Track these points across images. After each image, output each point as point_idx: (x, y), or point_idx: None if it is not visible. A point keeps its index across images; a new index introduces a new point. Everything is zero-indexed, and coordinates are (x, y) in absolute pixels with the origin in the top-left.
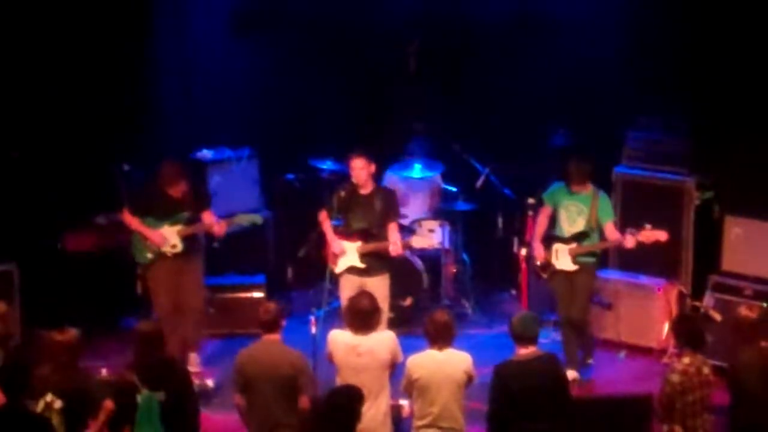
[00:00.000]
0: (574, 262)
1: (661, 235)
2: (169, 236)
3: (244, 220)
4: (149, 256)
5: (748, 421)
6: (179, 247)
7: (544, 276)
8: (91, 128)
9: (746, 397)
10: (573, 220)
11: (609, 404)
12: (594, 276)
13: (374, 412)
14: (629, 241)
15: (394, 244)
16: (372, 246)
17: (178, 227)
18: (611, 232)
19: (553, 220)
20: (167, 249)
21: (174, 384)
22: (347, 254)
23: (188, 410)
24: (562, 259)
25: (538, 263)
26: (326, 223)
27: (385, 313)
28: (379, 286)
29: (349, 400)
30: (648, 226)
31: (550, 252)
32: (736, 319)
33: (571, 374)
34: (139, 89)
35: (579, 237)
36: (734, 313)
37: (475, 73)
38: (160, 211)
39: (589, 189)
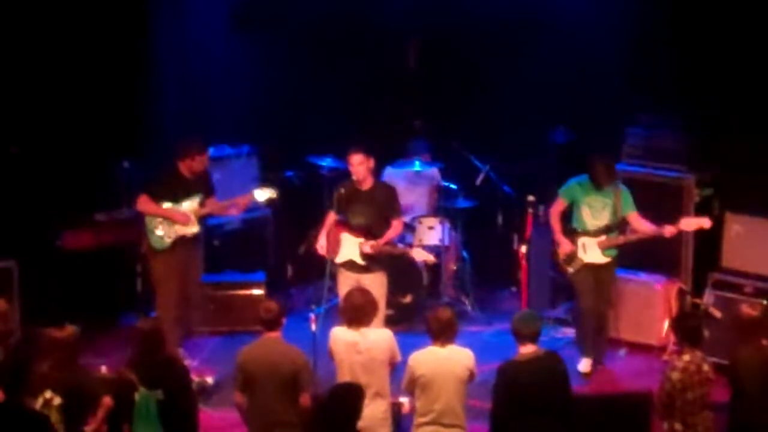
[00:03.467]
0: (604, 254)
1: (704, 222)
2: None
3: (261, 195)
4: (167, 240)
5: (747, 419)
6: (197, 228)
7: (570, 270)
8: (90, 125)
9: (746, 394)
10: (598, 214)
11: (610, 401)
12: (616, 267)
13: (374, 410)
14: (669, 230)
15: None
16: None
17: (194, 208)
18: (640, 223)
19: (565, 215)
20: (187, 230)
21: (172, 382)
22: (349, 248)
23: (187, 409)
24: (591, 252)
25: (563, 257)
26: (328, 221)
27: (382, 311)
28: (376, 283)
29: (350, 397)
30: (685, 215)
31: (576, 246)
32: (738, 316)
33: (587, 361)
34: (138, 86)
35: (606, 230)
36: (736, 310)
37: (474, 71)
38: (175, 194)
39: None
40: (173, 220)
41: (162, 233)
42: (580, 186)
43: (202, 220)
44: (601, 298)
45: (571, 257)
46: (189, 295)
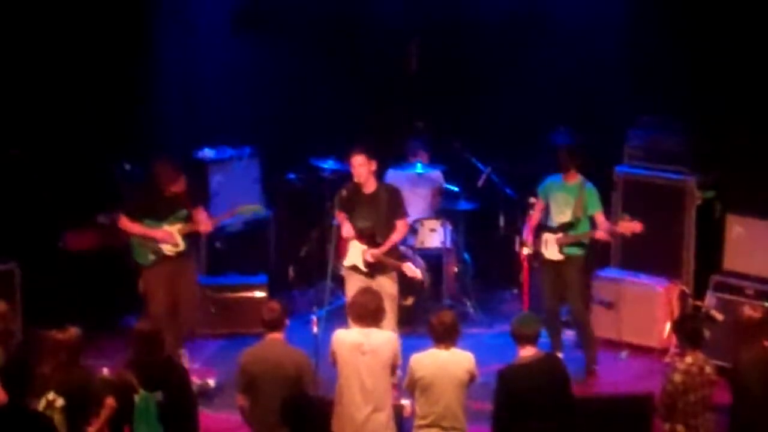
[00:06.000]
0: (560, 252)
1: (636, 227)
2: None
3: (246, 210)
4: (151, 257)
5: (749, 421)
6: (181, 246)
7: (535, 265)
8: (92, 127)
9: (747, 396)
10: (561, 210)
11: (611, 403)
12: (582, 269)
13: (378, 414)
14: (600, 233)
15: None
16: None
17: (177, 226)
18: (601, 222)
19: (546, 213)
20: (169, 248)
21: (172, 384)
22: (355, 253)
23: (186, 410)
24: (550, 248)
25: (527, 252)
26: (341, 219)
27: (393, 313)
28: (385, 285)
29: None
30: (626, 216)
31: (540, 242)
32: (739, 318)
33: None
34: (140, 88)
35: (565, 227)
36: (738, 312)
37: (476, 72)
38: (158, 211)
39: (577, 180)
40: (156, 240)
41: (146, 250)
42: (550, 183)
43: (188, 236)
44: (569, 301)
45: (536, 253)
46: (181, 305)
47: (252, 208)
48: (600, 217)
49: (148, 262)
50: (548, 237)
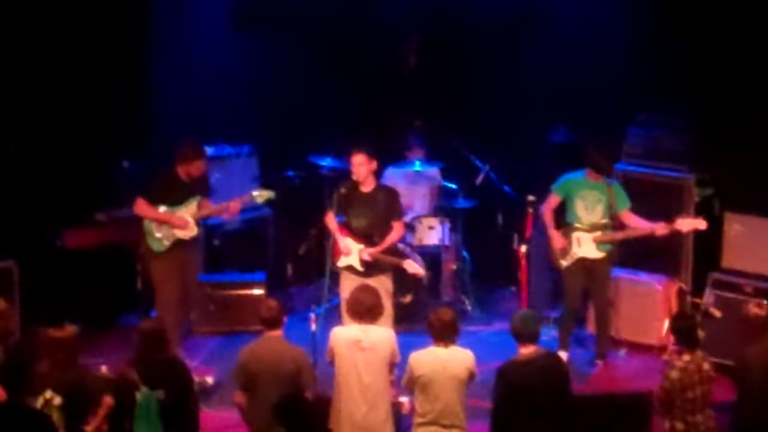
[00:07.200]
0: (598, 249)
1: (700, 224)
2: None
3: (259, 197)
4: (166, 243)
5: (753, 419)
6: (195, 231)
7: (563, 263)
8: (90, 124)
9: (752, 394)
10: (592, 208)
11: (610, 401)
12: (612, 262)
13: (376, 410)
14: (661, 228)
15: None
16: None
17: (192, 211)
18: (634, 220)
19: (558, 210)
20: (185, 234)
21: (174, 383)
22: (351, 251)
23: (188, 409)
24: (585, 246)
25: (558, 250)
26: (332, 222)
27: (389, 311)
28: (381, 285)
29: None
30: (683, 214)
31: (570, 240)
32: (745, 316)
33: (563, 354)
34: (138, 85)
35: (602, 226)
36: (743, 310)
37: (474, 70)
38: (172, 198)
39: (601, 177)
40: (171, 225)
41: (160, 236)
42: (573, 181)
43: (199, 221)
44: (597, 295)
45: (565, 251)
46: (187, 296)
47: (265, 194)
48: (628, 214)
49: (162, 249)
50: (581, 236)
